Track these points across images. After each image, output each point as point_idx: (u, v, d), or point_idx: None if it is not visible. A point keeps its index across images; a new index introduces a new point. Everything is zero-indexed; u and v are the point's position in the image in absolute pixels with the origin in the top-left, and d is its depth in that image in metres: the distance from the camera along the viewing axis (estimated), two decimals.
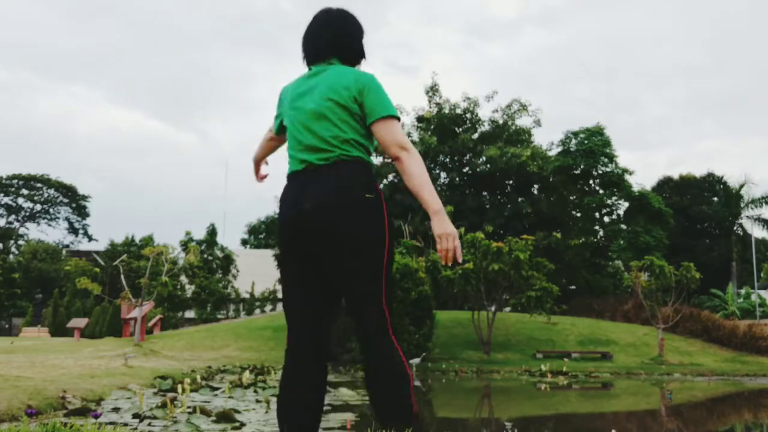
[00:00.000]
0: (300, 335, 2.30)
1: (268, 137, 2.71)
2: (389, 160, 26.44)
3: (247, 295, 29.31)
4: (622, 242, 27.81)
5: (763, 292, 30.03)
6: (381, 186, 22.52)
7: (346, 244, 2.19)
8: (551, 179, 28.13)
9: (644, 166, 74.51)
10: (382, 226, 2.23)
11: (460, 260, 2.21)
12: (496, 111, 29.34)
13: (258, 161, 2.80)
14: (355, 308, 2.26)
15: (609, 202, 28.48)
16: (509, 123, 28.67)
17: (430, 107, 27.14)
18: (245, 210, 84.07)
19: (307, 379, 2.28)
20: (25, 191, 49.01)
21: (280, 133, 2.56)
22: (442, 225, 2.17)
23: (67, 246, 50.26)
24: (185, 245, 27.64)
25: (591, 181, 28.68)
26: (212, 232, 30.67)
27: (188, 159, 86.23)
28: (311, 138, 2.28)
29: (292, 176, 2.33)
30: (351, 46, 2.45)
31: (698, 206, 32.82)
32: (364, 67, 2.50)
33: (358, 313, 2.25)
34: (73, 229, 51.87)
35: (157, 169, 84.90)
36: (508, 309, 20.27)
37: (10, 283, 35.99)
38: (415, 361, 14.65)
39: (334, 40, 2.42)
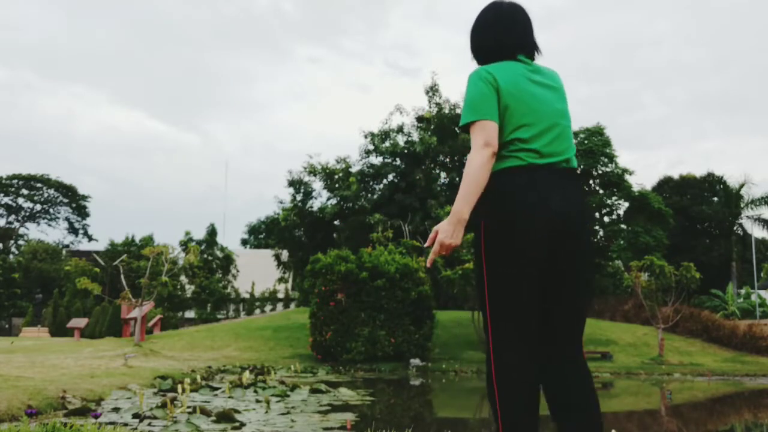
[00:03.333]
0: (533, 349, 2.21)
1: (489, 155, 2.10)
2: (389, 160, 26.43)
3: (247, 295, 29.33)
4: (622, 242, 27.80)
5: (763, 292, 30.00)
6: (381, 186, 22.15)
7: (590, 247, 2.29)
8: None
9: (644, 166, 74.42)
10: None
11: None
12: None
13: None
14: (573, 316, 2.25)
15: (609, 202, 28.48)
16: None
17: (430, 107, 27.06)
18: (245, 210, 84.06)
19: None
20: (25, 191, 48.95)
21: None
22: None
23: (67, 246, 50.22)
24: (185, 245, 27.65)
25: (591, 181, 28.67)
26: (212, 232, 30.70)
27: (188, 159, 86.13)
28: (568, 134, 2.26)
29: (536, 169, 2.15)
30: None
31: (698, 206, 32.80)
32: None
33: (571, 324, 2.24)
34: (73, 229, 51.83)
35: (157, 169, 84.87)
36: None
37: (10, 283, 35.96)
38: (415, 361, 14.67)
39: (534, 38, 2.38)
